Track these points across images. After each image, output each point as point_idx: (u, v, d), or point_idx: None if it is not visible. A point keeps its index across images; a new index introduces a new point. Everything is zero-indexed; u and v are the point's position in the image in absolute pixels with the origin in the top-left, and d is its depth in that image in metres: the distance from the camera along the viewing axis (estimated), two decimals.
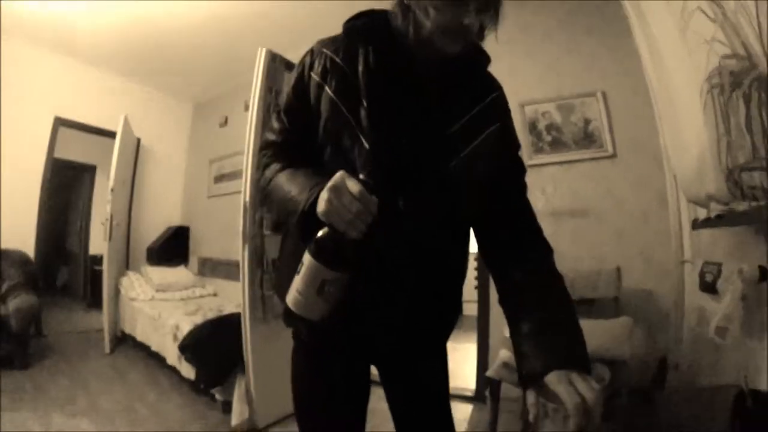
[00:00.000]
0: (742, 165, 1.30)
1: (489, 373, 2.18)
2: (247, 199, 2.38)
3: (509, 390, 2.10)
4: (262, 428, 2.37)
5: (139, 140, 4.69)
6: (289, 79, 2.56)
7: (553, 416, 0.79)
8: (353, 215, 0.74)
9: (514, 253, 0.99)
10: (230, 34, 3.60)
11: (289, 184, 0.90)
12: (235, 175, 4.07)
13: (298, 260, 0.80)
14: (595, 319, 2.18)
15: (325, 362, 1.02)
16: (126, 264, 4.48)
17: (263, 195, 1.01)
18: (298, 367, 1.06)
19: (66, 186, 6.22)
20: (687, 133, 1.65)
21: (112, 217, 3.83)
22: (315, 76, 0.95)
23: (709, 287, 1.52)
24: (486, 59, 1.02)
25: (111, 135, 4.13)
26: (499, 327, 2.62)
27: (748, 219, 1.35)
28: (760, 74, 1.06)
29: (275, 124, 1.05)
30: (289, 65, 2.58)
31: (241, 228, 2.38)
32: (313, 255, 0.76)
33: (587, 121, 2.96)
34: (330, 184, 0.76)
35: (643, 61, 1.80)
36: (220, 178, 4.62)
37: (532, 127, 3.08)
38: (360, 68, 0.93)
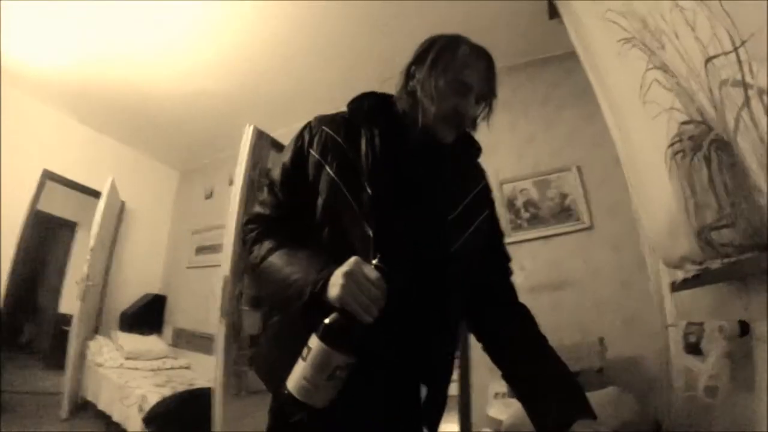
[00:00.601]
0: (711, 224, 1.36)
1: None
2: (227, 273, 2.36)
3: None
4: None
5: (123, 203, 4.69)
6: (276, 157, 2.68)
7: None
8: (370, 301, 0.75)
9: (508, 325, 1.08)
10: (219, 108, 3.77)
11: (289, 265, 0.87)
12: (217, 248, 4.08)
13: (290, 342, 0.81)
14: None
15: None
16: (96, 327, 4.33)
17: (254, 272, 0.96)
18: None
19: (45, 240, 6.14)
20: (656, 199, 1.73)
21: (88, 276, 3.73)
22: (314, 153, 0.96)
23: (693, 348, 1.53)
24: (479, 150, 1.10)
25: (96, 195, 4.16)
26: (481, 406, 2.53)
27: (723, 276, 1.39)
28: (717, 136, 1.14)
29: (267, 197, 1.01)
30: (275, 143, 2.68)
31: (219, 302, 2.34)
32: (325, 341, 0.75)
33: (563, 196, 3.08)
34: (345, 269, 0.77)
35: (612, 133, 1.92)
36: (201, 250, 4.62)
37: (511, 204, 3.19)
38: (363, 150, 0.94)
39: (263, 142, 2.63)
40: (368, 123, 0.97)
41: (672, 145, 1.44)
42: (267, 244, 0.93)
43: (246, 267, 0.91)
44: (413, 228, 0.95)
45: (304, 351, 0.76)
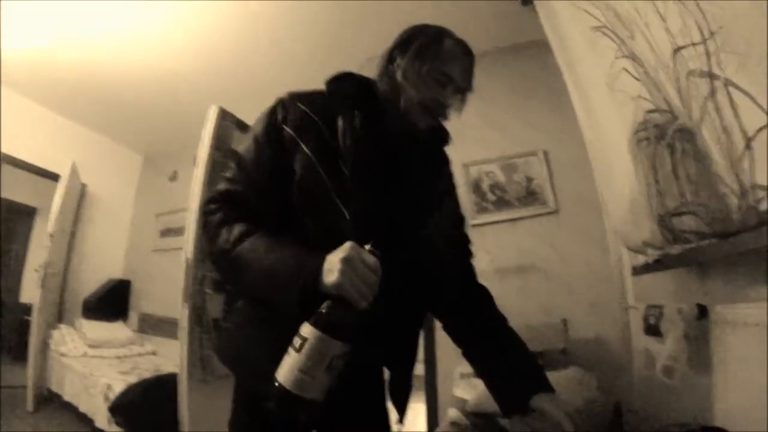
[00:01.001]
0: (672, 210, 1.39)
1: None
2: (190, 256, 2.31)
3: None
4: None
5: (84, 187, 4.50)
6: (241, 137, 2.61)
7: None
8: (368, 287, 0.74)
9: (469, 306, 1.12)
10: (183, 90, 3.63)
11: (271, 252, 0.83)
12: (182, 231, 3.96)
13: (258, 328, 0.82)
14: (546, 371, 2.20)
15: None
16: (59, 316, 4.16)
17: (222, 258, 0.88)
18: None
19: (4, 228, 5.79)
20: (620, 185, 1.76)
21: (47, 264, 3.59)
22: (288, 130, 0.92)
23: (653, 330, 1.58)
24: (448, 137, 1.10)
25: (56, 179, 3.97)
26: (447, 386, 2.58)
27: (683, 261, 1.43)
28: (682, 125, 1.17)
29: (235, 173, 0.95)
30: (239, 124, 2.60)
31: (182, 285, 2.29)
32: (323, 330, 0.72)
33: (530, 179, 3.11)
34: (343, 255, 0.74)
35: (579, 118, 1.95)
36: (166, 233, 4.50)
37: (476, 187, 3.20)
38: (342, 131, 0.91)
39: (227, 122, 2.55)
40: (348, 104, 0.95)
41: (637, 132, 1.46)
42: (239, 228, 0.87)
43: (211, 251, 0.83)
44: (388, 212, 0.95)
45: (296, 341, 0.72)
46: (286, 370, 0.72)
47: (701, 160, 1.14)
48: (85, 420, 2.99)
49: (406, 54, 0.98)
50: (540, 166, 3.07)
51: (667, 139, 1.29)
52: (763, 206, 0.92)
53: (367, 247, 0.78)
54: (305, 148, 0.90)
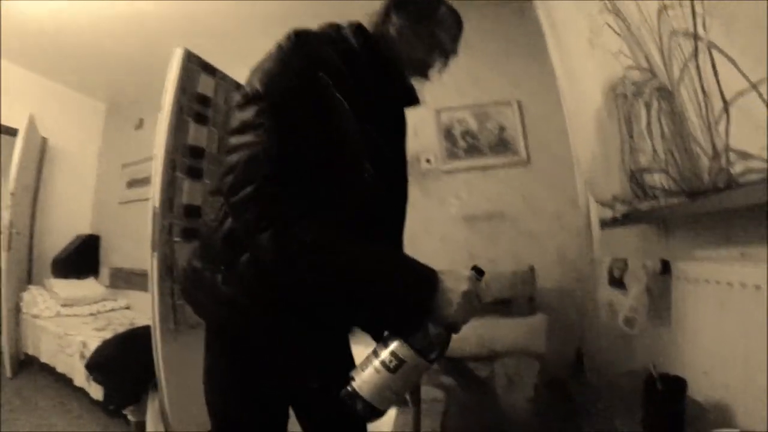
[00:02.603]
0: (644, 167, 1.41)
1: None
2: (157, 204, 2.24)
3: (428, 393, 2.13)
4: None
5: (45, 140, 4.23)
6: (207, 80, 2.49)
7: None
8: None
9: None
10: (146, 33, 3.38)
11: (384, 262, 0.76)
12: (149, 180, 3.82)
13: (267, 290, 0.82)
14: (513, 317, 2.28)
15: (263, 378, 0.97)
16: (28, 277, 4.01)
17: (308, 255, 0.73)
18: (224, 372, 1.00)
19: None
20: (594, 139, 1.77)
21: (11, 224, 3.44)
22: (325, 76, 0.81)
23: (617, 282, 1.64)
24: (419, 100, 1.08)
25: (13, 133, 3.67)
26: None
27: (650, 217, 1.47)
28: (660, 84, 1.16)
29: (265, 138, 0.76)
30: (206, 66, 2.46)
31: (149, 234, 2.24)
32: (427, 357, 0.72)
33: (502, 128, 3.09)
34: (465, 289, 0.73)
35: (556, 72, 1.92)
36: (133, 184, 4.30)
37: (448, 132, 3.17)
38: (356, 87, 0.86)
39: (193, 65, 2.41)
40: (363, 60, 0.91)
41: (615, 88, 1.45)
42: (307, 224, 0.74)
43: (282, 244, 0.69)
44: (388, 167, 0.97)
45: (390, 360, 0.70)
46: (373, 387, 0.71)
47: (677, 119, 1.14)
48: (65, 380, 2.97)
49: (401, 13, 0.96)
50: (513, 116, 3.05)
51: (644, 96, 1.29)
52: (734, 169, 0.93)
53: (473, 272, 0.78)
54: (343, 101, 0.82)
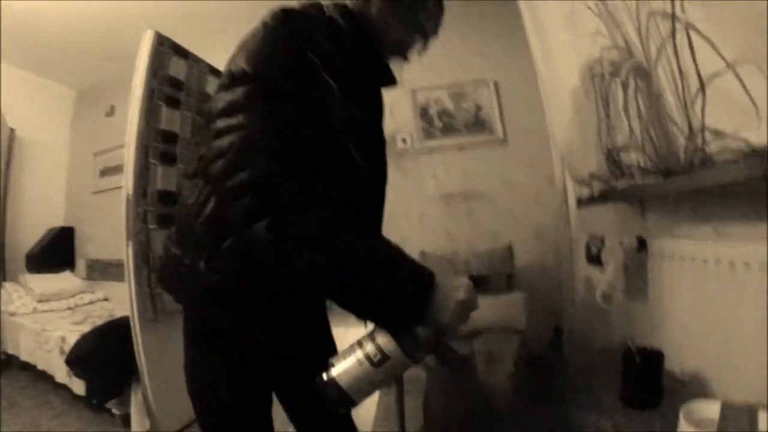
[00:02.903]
0: (620, 146, 1.43)
1: None
2: (130, 191, 2.18)
3: (410, 372, 2.15)
4: None
5: (13, 131, 4.04)
6: (179, 63, 2.40)
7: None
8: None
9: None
10: (117, 15, 3.23)
11: (387, 264, 0.74)
12: (122, 168, 3.70)
13: (253, 275, 0.80)
14: (492, 295, 2.32)
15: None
16: (2, 274, 3.88)
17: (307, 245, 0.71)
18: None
19: None
20: (570, 118, 1.78)
21: None
22: (314, 59, 0.77)
23: (594, 259, 1.67)
24: (396, 81, 1.06)
25: None
26: None
27: (626, 195, 1.49)
28: (637, 64, 1.17)
29: (268, 132, 0.72)
30: (177, 49, 2.38)
31: (124, 223, 2.19)
32: (413, 358, 0.72)
33: (479, 108, 3.10)
34: (462, 297, 0.72)
35: (533, 51, 1.92)
36: (106, 172, 4.16)
37: (423, 112, 3.16)
38: (342, 69, 0.82)
39: (164, 48, 2.33)
40: (351, 40, 0.87)
41: (591, 68, 1.46)
42: (306, 214, 0.71)
43: (305, 242, 0.68)
44: (374, 157, 0.97)
45: (374, 354, 0.70)
46: (353, 379, 0.70)
47: (653, 99, 1.15)
48: (46, 377, 2.91)
49: None
50: (489, 95, 3.06)
51: (621, 76, 1.30)
52: (710, 148, 0.95)
53: (473, 274, 0.78)
54: (332, 84, 0.79)
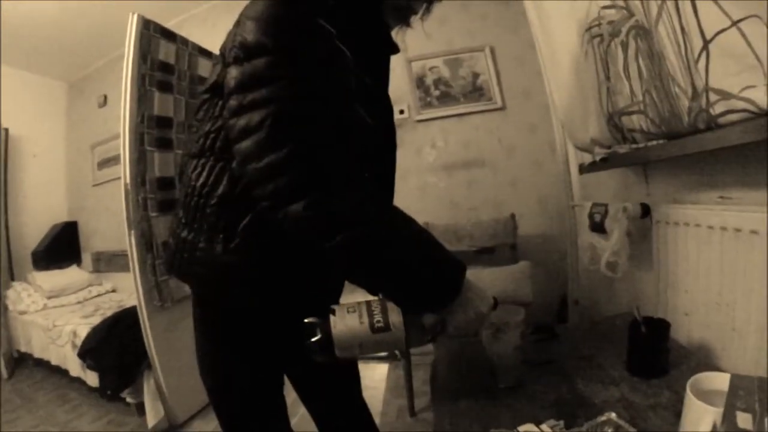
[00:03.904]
0: (622, 109, 1.38)
1: None
2: (128, 181, 2.16)
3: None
4: (182, 424, 2.25)
5: (6, 131, 3.96)
6: (168, 47, 2.34)
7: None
8: None
9: None
10: (102, 2, 3.15)
11: (410, 251, 0.72)
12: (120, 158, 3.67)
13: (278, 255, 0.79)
14: (497, 266, 2.30)
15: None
16: (10, 274, 3.90)
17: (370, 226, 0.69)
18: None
19: None
20: (570, 82, 1.73)
21: None
22: (329, 28, 0.73)
23: (597, 227, 1.64)
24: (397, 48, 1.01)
25: None
26: None
27: (629, 160, 1.45)
28: (637, 23, 1.11)
29: (302, 105, 0.68)
30: (165, 32, 2.31)
31: (124, 213, 2.17)
32: (413, 341, 0.73)
33: (476, 75, 3.02)
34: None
35: (529, 15, 1.85)
36: (104, 163, 4.14)
37: (420, 82, 3.09)
38: (353, 36, 0.77)
39: (151, 32, 2.26)
40: (354, 9, 0.80)
41: (590, 29, 1.40)
42: (347, 194, 0.68)
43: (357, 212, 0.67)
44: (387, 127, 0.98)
45: (377, 321, 0.70)
46: (347, 333, 0.70)
47: (655, 59, 1.10)
48: (61, 372, 2.96)
49: None
50: (486, 61, 2.97)
51: (621, 36, 1.24)
52: (714, 110, 0.91)
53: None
54: (346, 52, 0.74)
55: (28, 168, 4.21)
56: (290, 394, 1.19)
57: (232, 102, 0.69)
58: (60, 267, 4.06)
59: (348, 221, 0.66)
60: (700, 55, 0.89)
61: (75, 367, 2.74)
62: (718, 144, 0.91)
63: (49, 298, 3.62)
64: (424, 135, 3.03)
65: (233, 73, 0.70)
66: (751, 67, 0.75)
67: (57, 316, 3.20)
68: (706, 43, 0.85)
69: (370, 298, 0.76)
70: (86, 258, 4.38)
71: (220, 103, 0.78)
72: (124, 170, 2.17)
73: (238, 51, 0.70)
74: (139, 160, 2.19)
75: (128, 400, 2.43)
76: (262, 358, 0.98)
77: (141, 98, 2.20)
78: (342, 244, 0.65)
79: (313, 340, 0.70)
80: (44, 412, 2.62)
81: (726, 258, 1.00)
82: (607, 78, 1.42)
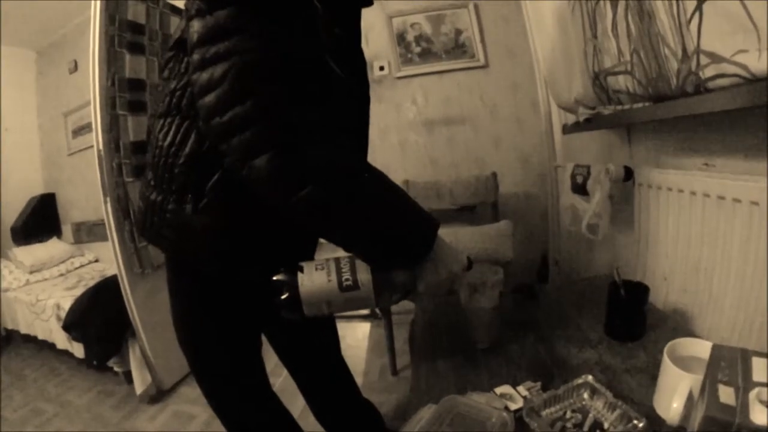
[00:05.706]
0: (608, 69, 1.35)
1: None
2: (101, 147, 2.08)
3: (399, 306, 2.19)
4: (169, 389, 2.27)
5: None
6: (137, 7, 2.19)
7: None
8: None
9: None
10: None
11: (384, 206, 0.69)
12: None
13: (247, 216, 0.78)
14: (478, 224, 2.30)
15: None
16: None
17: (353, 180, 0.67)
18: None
19: None
20: (555, 40, 1.68)
21: None
22: None
23: (579, 188, 1.64)
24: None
25: None
26: None
27: (613, 122, 1.44)
28: None
29: (268, 56, 0.64)
30: None
31: (98, 179, 2.10)
32: (382, 299, 0.72)
33: (458, 32, 2.93)
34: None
35: None
36: (78, 131, 3.98)
37: (401, 38, 2.99)
38: None
39: None
40: None
41: None
42: (316, 146, 0.65)
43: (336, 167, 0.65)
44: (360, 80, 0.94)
45: (346, 279, 0.69)
46: (316, 291, 0.69)
47: (645, 18, 1.07)
48: (48, 346, 2.94)
49: None
50: (470, 18, 2.88)
51: None
52: (704, 73, 0.88)
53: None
54: (316, 3, 0.70)
55: (1, 141, 4.03)
56: (273, 358, 1.19)
57: (195, 56, 0.65)
58: (40, 240, 3.98)
59: (315, 175, 0.63)
60: (693, 15, 0.86)
61: (61, 340, 2.73)
62: (706, 109, 0.89)
63: (32, 272, 3.57)
64: (405, 92, 2.96)
65: (195, 26, 0.65)
66: (745, 30, 0.72)
67: (40, 290, 3.16)
68: (700, 2, 0.82)
69: (343, 253, 0.74)
70: (66, 229, 4.27)
71: (186, 59, 0.74)
72: (96, 136, 2.09)
73: (200, 3, 0.65)
74: (112, 125, 2.10)
75: (115, 369, 2.43)
76: (236, 319, 0.97)
77: (111, 61, 2.08)
78: (308, 198, 0.62)
79: (281, 297, 0.69)
80: (35, 387, 2.62)
81: (707, 225, 1.01)
82: (594, 36, 1.38)
